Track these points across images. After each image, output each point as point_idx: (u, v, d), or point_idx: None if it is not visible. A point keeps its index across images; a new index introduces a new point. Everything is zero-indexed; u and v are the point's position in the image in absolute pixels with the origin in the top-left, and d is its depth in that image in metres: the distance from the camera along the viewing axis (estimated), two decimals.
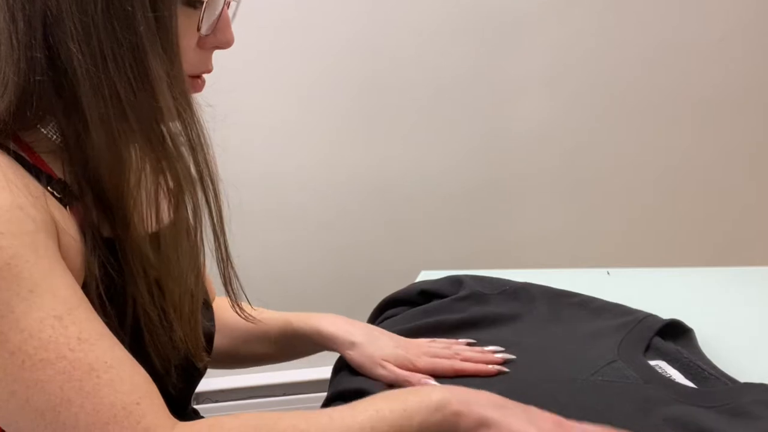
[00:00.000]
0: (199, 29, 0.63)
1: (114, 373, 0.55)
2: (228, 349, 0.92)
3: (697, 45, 1.88)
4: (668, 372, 0.78)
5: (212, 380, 1.82)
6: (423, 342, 0.83)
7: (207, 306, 0.80)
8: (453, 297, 0.94)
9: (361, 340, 0.81)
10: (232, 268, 0.75)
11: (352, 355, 0.81)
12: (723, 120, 1.94)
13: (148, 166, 0.64)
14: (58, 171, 0.62)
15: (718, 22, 1.87)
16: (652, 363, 0.79)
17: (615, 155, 1.93)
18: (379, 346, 0.80)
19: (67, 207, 0.61)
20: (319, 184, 1.85)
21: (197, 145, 0.65)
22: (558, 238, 1.95)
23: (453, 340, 0.84)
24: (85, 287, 0.60)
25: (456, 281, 0.98)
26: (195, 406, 0.87)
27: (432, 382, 0.75)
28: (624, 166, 1.94)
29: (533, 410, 0.63)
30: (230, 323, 0.92)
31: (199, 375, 0.79)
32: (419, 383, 0.75)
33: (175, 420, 0.58)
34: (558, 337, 0.88)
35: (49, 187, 0.60)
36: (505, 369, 0.79)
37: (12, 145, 0.60)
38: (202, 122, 0.66)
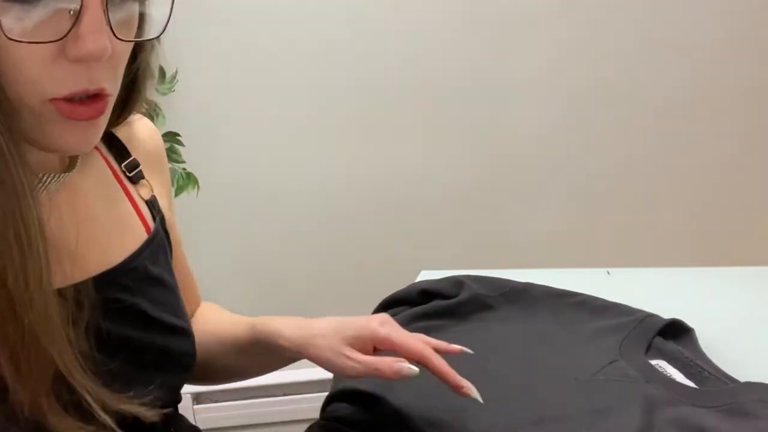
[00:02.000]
0: (4, 32, 0.47)
1: None
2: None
3: (698, 45, 1.88)
4: (669, 371, 0.78)
5: None
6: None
7: (184, 332, 0.71)
8: (454, 301, 0.94)
9: (319, 330, 0.72)
10: None
11: (315, 352, 0.71)
12: (724, 120, 1.94)
13: None
14: None
15: (718, 22, 1.87)
16: (653, 362, 0.79)
17: (615, 155, 1.94)
18: (339, 331, 0.71)
19: None
20: (320, 183, 1.85)
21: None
22: (558, 238, 1.95)
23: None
24: None
25: (457, 282, 0.98)
26: (195, 406, 0.86)
27: (404, 364, 0.66)
28: (624, 166, 1.95)
29: None
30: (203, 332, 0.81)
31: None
32: (390, 368, 0.66)
33: None
34: (559, 336, 0.88)
35: None
36: (470, 351, 0.73)
37: None
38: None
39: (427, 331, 0.89)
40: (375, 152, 1.85)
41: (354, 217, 1.87)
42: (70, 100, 0.51)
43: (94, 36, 0.48)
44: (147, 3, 0.54)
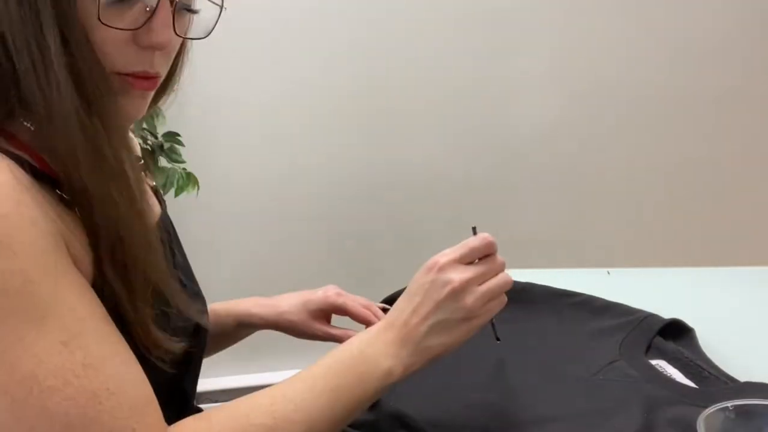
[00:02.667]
0: (99, 17, 0.58)
1: (114, 400, 0.56)
2: None
3: (697, 45, 1.88)
4: (669, 371, 0.78)
5: (212, 380, 1.82)
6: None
7: (196, 294, 0.79)
8: None
9: (287, 307, 0.94)
10: None
11: (285, 322, 0.93)
12: (724, 120, 1.94)
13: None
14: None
15: (720, 23, 1.87)
16: (653, 362, 0.79)
17: (616, 155, 1.94)
18: (304, 306, 0.93)
19: (76, 209, 0.60)
20: (320, 183, 1.85)
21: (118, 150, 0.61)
22: (558, 238, 1.95)
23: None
24: (95, 287, 0.60)
25: None
26: (197, 406, 0.87)
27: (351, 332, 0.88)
28: (625, 167, 1.95)
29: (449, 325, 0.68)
30: None
31: (197, 362, 0.77)
32: (346, 335, 0.89)
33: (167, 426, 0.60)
34: (559, 337, 0.88)
35: (57, 190, 0.59)
36: None
37: (7, 146, 0.58)
38: (121, 124, 0.63)
39: None
40: (375, 152, 1.85)
41: (354, 216, 1.87)
42: (134, 75, 0.63)
43: (165, 30, 0.62)
44: (197, 8, 0.68)
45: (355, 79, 1.80)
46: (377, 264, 1.86)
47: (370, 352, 0.67)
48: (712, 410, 0.59)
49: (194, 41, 0.71)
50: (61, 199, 0.59)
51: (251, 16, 1.69)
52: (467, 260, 0.68)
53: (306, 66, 1.77)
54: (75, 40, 0.58)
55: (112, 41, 0.60)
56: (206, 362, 0.82)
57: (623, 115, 1.91)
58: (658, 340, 0.84)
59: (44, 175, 0.59)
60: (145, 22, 0.61)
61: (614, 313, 0.90)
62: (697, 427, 0.58)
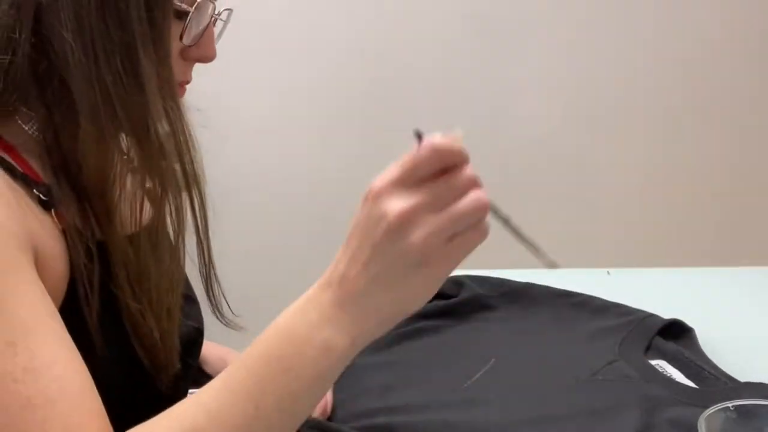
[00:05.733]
0: (181, 38, 0.63)
1: (49, 410, 0.52)
2: None
3: (697, 45, 1.88)
4: (668, 371, 0.78)
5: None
6: None
7: (192, 301, 0.78)
8: (454, 301, 0.94)
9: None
10: (215, 273, 0.74)
11: None
12: (724, 120, 1.94)
13: (132, 165, 0.64)
14: (39, 170, 0.62)
15: (720, 24, 1.87)
16: (653, 362, 0.79)
17: (615, 155, 1.93)
18: None
19: (51, 210, 0.60)
20: (320, 183, 1.84)
21: (184, 148, 0.65)
22: (558, 238, 1.94)
23: None
24: (72, 289, 0.60)
25: (457, 282, 0.98)
26: None
27: None
28: (624, 167, 1.94)
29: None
30: None
31: (190, 373, 0.77)
32: None
33: None
34: (559, 337, 0.88)
35: (34, 191, 0.60)
36: None
37: None
38: (190, 126, 0.67)
39: (426, 331, 0.89)
40: (375, 152, 1.84)
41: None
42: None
43: (213, 45, 0.68)
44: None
45: (355, 80, 1.79)
46: None
47: (298, 326, 0.51)
48: (713, 410, 0.59)
49: None
50: (39, 201, 0.60)
51: (251, 16, 1.69)
52: (412, 180, 0.50)
53: (306, 66, 1.77)
54: (166, 57, 0.61)
55: (173, 53, 0.63)
56: None
57: (623, 116, 1.91)
58: (658, 340, 0.84)
59: (25, 176, 0.60)
60: (199, 38, 0.65)
61: (614, 313, 0.90)
62: (698, 428, 0.58)
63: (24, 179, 0.59)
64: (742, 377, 0.75)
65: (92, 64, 0.57)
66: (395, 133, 1.99)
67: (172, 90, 0.63)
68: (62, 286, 0.60)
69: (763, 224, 1.99)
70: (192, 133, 0.67)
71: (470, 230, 0.51)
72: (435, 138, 0.51)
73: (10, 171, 0.59)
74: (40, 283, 0.57)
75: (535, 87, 1.86)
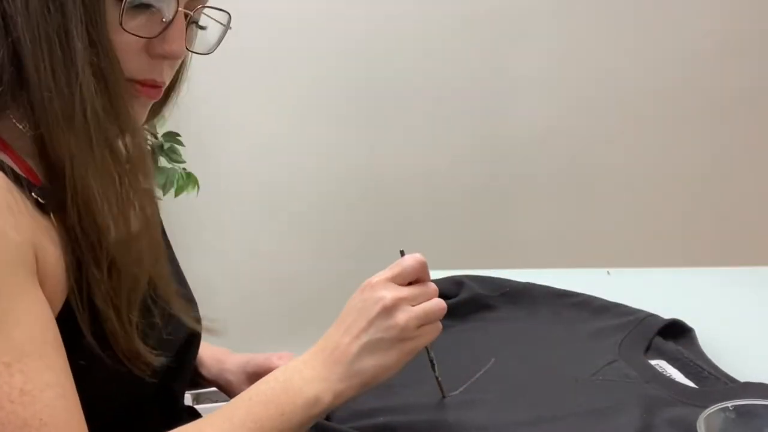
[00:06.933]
0: (121, 23, 0.60)
1: None
2: None
3: (697, 46, 1.88)
4: (668, 371, 0.78)
5: None
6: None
7: (189, 300, 0.77)
8: (454, 301, 0.94)
9: (230, 365, 0.91)
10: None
11: (223, 380, 0.90)
12: (724, 120, 1.94)
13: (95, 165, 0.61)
14: (36, 170, 0.61)
15: (720, 24, 1.87)
16: (653, 362, 0.79)
17: (615, 155, 1.94)
18: (243, 368, 0.90)
19: (51, 214, 0.60)
20: (320, 183, 1.85)
21: (133, 154, 0.64)
22: (558, 238, 1.95)
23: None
24: (72, 294, 0.60)
25: (457, 282, 0.98)
26: (195, 406, 0.87)
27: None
28: (624, 167, 1.95)
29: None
30: None
31: (187, 368, 0.77)
32: None
33: None
34: (559, 337, 0.88)
35: (33, 194, 0.59)
36: None
37: None
38: (137, 126, 0.65)
39: None
40: (375, 152, 1.85)
41: (354, 217, 1.87)
42: (141, 83, 0.64)
43: (178, 41, 0.64)
44: (205, 25, 0.70)
45: (354, 80, 1.80)
46: (376, 264, 1.86)
47: (295, 379, 0.64)
48: (712, 410, 0.59)
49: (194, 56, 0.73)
50: (37, 204, 0.59)
51: (251, 17, 1.69)
52: (400, 281, 0.67)
53: (305, 66, 1.77)
54: (101, 43, 0.59)
55: (128, 48, 0.61)
56: None
57: (623, 116, 1.91)
58: (658, 340, 0.84)
59: (23, 178, 0.59)
60: (161, 32, 0.62)
61: (614, 313, 0.90)
62: (698, 428, 0.58)
63: (23, 181, 0.58)
64: (742, 377, 0.75)
65: (37, 50, 0.56)
66: (395, 132, 2.01)
67: (116, 89, 0.60)
68: (62, 288, 0.59)
69: (763, 224, 1.99)
70: (141, 137, 0.66)
71: (431, 324, 0.66)
72: (417, 255, 0.68)
73: (10, 173, 0.58)
74: (38, 298, 0.57)
75: (535, 87, 1.86)
